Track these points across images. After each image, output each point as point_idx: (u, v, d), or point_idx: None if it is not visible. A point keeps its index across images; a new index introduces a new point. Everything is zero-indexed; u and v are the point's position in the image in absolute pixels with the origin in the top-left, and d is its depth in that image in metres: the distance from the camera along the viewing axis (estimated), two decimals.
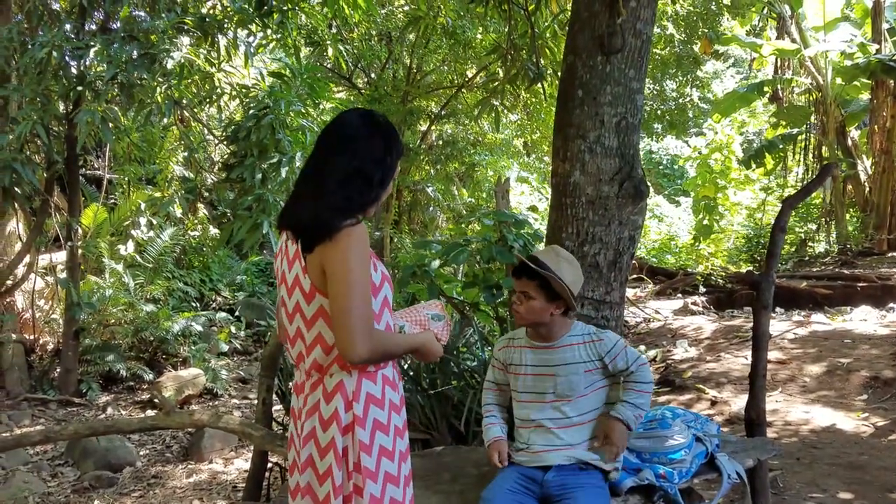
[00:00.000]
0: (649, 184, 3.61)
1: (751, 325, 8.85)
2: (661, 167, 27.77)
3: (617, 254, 3.52)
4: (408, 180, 15.74)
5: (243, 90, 8.02)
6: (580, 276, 2.96)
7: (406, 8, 12.95)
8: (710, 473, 3.03)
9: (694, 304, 11.44)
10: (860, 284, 10.88)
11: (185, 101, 8.19)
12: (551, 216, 3.70)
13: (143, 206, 11.00)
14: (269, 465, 4.74)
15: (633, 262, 3.86)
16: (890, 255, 13.63)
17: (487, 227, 5.07)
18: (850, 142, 15.55)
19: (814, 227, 16.38)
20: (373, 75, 14.64)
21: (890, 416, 5.61)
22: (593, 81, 3.49)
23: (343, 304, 1.94)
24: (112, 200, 11.85)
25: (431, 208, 17.89)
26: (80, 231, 8.76)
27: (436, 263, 4.94)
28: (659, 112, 15.55)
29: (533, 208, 11.98)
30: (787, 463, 4.85)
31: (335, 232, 1.97)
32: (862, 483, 4.44)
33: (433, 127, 15.92)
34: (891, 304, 9.92)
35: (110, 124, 7.05)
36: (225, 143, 8.32)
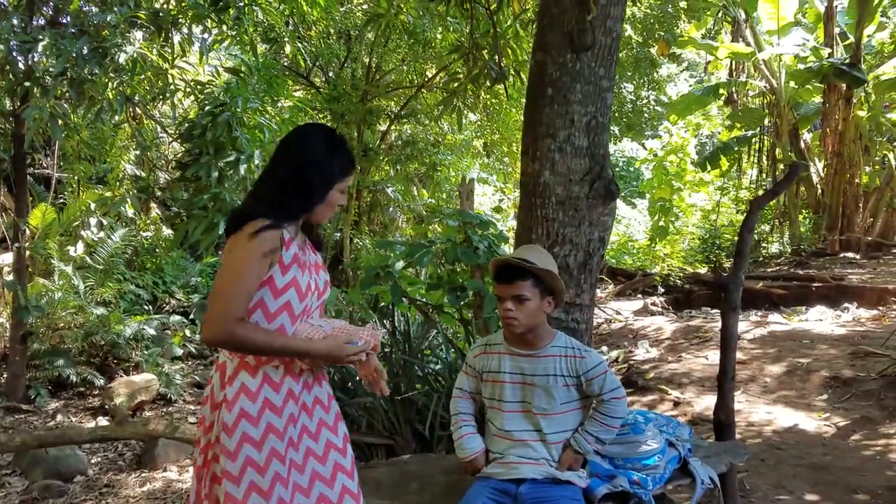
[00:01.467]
0: (618, 184, 3.56)
1: (710, 325, 9.03)
2: (617, 169, 28.08)
3: (587, 255, 3.46)
4: (367, 181, 15.58)
5: (198, 87, 7.80)
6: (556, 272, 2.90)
7: (365, 6, 12.80)
8: (684, 479, 2.99)
9: (653, 304, 11.53)
10: (815, 285, 11.10)
11: (137, 98, 7.93)
12: (520, 216, 3.61)
13: (93, 206, 10.64)
14: None
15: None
16: (842, 255, 13.95)
17: (451, 228, 4.98)
18: (802, 144, 15.89)
19: (767, 228, 16.68)
20: (331, 74, 14.46)
21: (850, 416, 5.67)
22: (563, 79, 3.42)
23: (215, 288, 2.14)
24: (61, 200, 11.45)
25: (391, 209, 17.75)
26: (27, 232, 8.43)
27: (399, 265, 4.84)
28: (616, 114, 15.67)
29: (497, 209, 11.94)
30: (753, 465, 4.86)
31: (243, 224, 2.14)
32: (827, 484, 4.46)
33: (393, 127, 15.81)
34: (845, 304, 10.13)
35: (59, 121, 6.78)
36: (179, 140, 8.08)
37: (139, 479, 6.32)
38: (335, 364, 2.33)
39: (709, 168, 16.49)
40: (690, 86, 22.97)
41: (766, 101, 16.26)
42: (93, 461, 6.78)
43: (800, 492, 4.36)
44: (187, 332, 10.71)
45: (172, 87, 7.70)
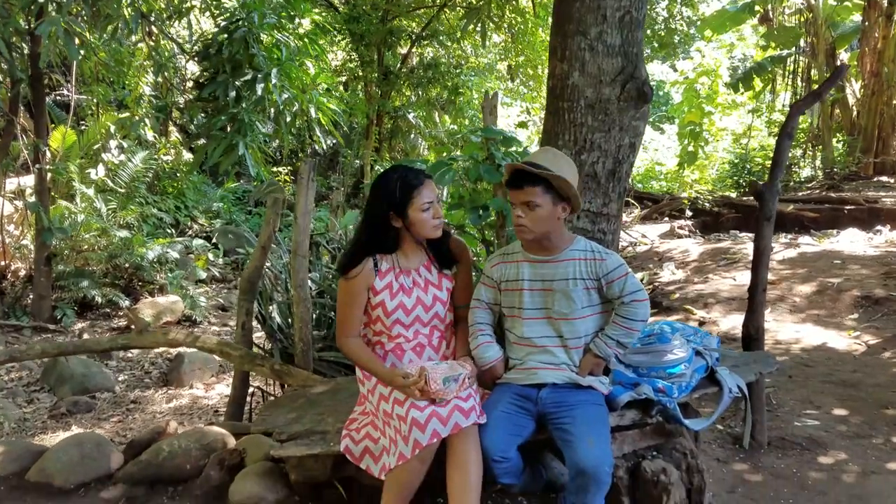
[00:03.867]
0: (652, 86, 3.35)
1: (738, 247, 8.86)
2: None
3: (616, 163, 3.28)
4: (388, 106, 15.30)
5: (214, 3, 7.56)
6: (577, 175, 2.75)
7: None
8: (710, 388, 2.90)
9: (680, 227, 11.35)
10: (847, 207, 10.83)
11: (153, 16, 7.71)
12: (547, 122, 3.43)
13: (112, 128, 10.55)
14: (251, 389, 4.60)
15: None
16: (876, 178, 13.57)
17: (474, 145, 4.81)
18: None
19: (799, 152, 16.23)
20: None
21: (882, 334, 5.55)
22: None
23: None
24: (83, 126, 11.38)
25: (413, 135, 17.49)
26: (48, 154, 8.38)
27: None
28: (648, 33, 15.12)
29: (522, 125, 11.59)
30: (780, 381, 4.78)
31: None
32: (856, 400, 4.38)
33: (414, 49, 15.39)
34: (878, 227, 9.87)
35: (75, 39, 6.61)
36: (196, 59, 7.90)
37: (165, 396, 6.42)
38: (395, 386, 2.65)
39: (741, 90, 15.96)
40: (724, 5, 22.07)
41: (802, 20, 15.59)
42: (120, 378, 6.89)
43: (827, 407, 4.28)
44: (210, 256, 10.74)
45: (188, 3, 7.46)
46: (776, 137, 3.86)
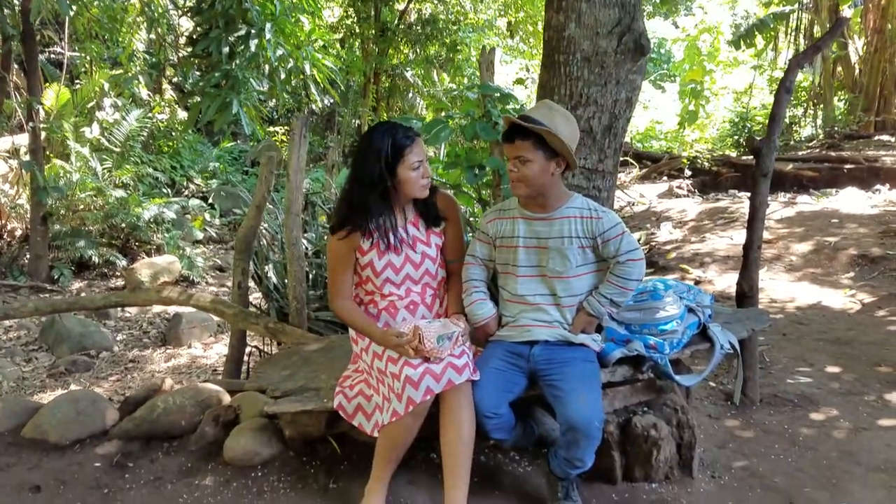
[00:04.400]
0: (651, 41, 3.28)
1: (736, 206, 8.83)
2: None
3: (613, 118, 3.23)
4: (385, 64, 15.11)
5: None
6: (577, 130, 2.68)
7: None
8: (703, 344, 2.90)
9: (679, 187, 11.30)
10: (847, 166, 10.77)
11: None
12: (542, 76, 3.37)
13: (106, 86, 10.43)
14: (249, 348, 4.62)
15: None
16: (876, 137, 13.47)
17: (470, 102, 4.74)
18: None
19: (800, 111, 16.08)
20: None
21: (877, 292, 5.55)
22: None
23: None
24: (76, 84, 11.25)
25: (411, 94, 17.30)
26: (42, 112, 8.29)
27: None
28: None
29: (519, 81, 11.42)
30: (774, 339, 4.80)
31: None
32: (849, 357, 4.40)
33: (412, 5, 15.15)
34: (877, 186, 9.83)
35: None
36: (189, 14, 7.76)
37: (164, 355, 6.45)
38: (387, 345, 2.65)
39: (743, 47, 15.72)
40: None
41: None
42: (118, 338, 6.92)
43: (821, 364, 4.30)
44: (207, 217, 10.70)
45: None
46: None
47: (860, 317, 5.16)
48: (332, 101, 14.91)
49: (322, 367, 3.12)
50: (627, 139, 15.95)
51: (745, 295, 3.70)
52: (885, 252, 6.22)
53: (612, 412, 2.89)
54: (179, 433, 3.27)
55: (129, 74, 9.17)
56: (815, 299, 5.59)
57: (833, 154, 12.01)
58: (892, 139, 13.28)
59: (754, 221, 3.68)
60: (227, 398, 3.41)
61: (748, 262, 3.71)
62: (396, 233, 2.73)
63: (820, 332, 4.88)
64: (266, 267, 5.10)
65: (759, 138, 3.62)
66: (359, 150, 2.71)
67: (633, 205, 10.32)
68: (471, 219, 5.58)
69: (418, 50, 15.40)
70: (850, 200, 8.86)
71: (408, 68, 16.02)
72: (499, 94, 4.49)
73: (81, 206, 8.98)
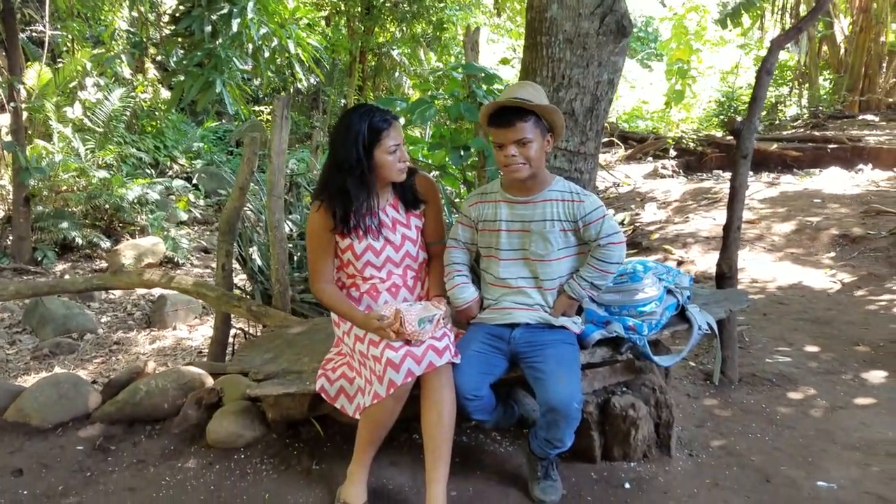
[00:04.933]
0: (632, 21, 3.28)
1: (720, 186, 8.87)
2: (634, 30, 26.83)
3: (594, 99, 3.24)
4: (371, 42, 14.98)
5: None
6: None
7: None
8: (681, 325, 2.93)
9: (664, 168, 11.32)
10: (830, 146, 10.81)
11: None
12: (525, 58, 3.36)
13: (89, 65, 10.29)
14: (234, 331, 4.62)
15: (605, 125, 3.57)
16: (861, 117, 13.53)
17: (455, 82, 4.72)
18: None
19: (786, 90, 16.10)
20: None
21: (857, 272, 5.61)
22: None
23: None
24: (58, 63, 11.09)
25: (397, 73, 17.18)
26: (23, 92, 8.19)
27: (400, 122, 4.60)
28: None
29: (504, 61, 11.35)
30: (754, 318, 4.85)
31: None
32: (828, 337, 4.45)
33: None
34: (860, 166, 9.89)
35: None
36: None
37: (149, 338, 6.44)
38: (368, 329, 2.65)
39: (730, 26, 15.69)
40: None
41: None
42: (102, 320, 6.89)
43: (800, 344, 4.35)
44: (191, 198, 10.63)
45: None
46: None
47: (840, 296, 5.22)
48: (317, 80, 14.78)
49: (305, 349, 3.13)
50: (613, 119, 15.95)
51: (725, 275, 3.74)
52: (865, 232, 6.28)
53: (592, 393, 2.92)
54: (162, 416, 3.28)
55: (112, 53, 9.06)
56: (796, 279, 5.65)
57: (817, 134, 12.05)
58: (877, 119, 13.35)
59: (734, 203, 3.71)
60: (209, 381, 3.41)
61: (728, 242, 3.74)
62: (376, 216, 2.72)
63: (800, 311, 4.93)
64: (250, 249, 5.09)
65: (739, 120, 3.64)
66: (336, 133, 2.68)
67: (619, 185, 10.34)
68: (456, 199, 5.58)
69: (405, 28, 15.27)
70: (833, 180, 8.92)
71: (394, 47, 15.90)
72: (483, 75, 4.49)
73: (64, 187, 8.92)
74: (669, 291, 2.96)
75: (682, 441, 3.10)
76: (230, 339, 4.49)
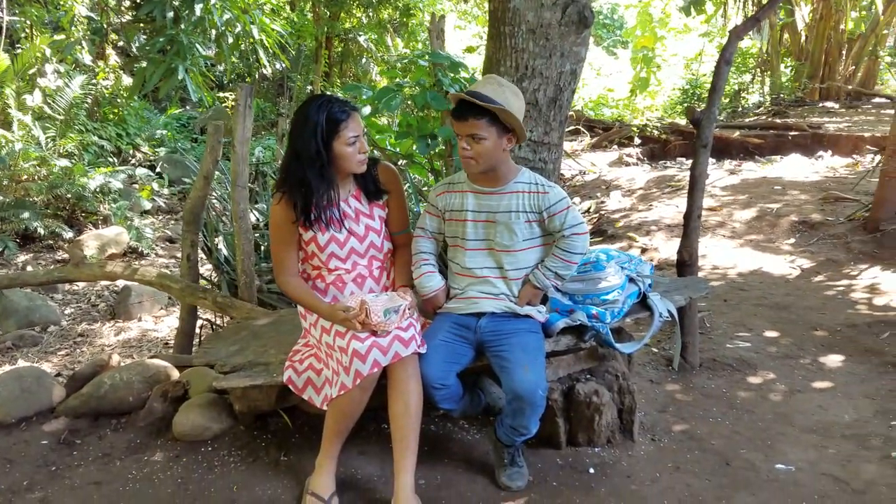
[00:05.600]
0: (593, 11, 3.31)
1: (683, 174, 8.99)
2: (601, 17, 26.98)
3: (558, 90, 3.27)
4: (338, 28, 14.84)
5: None
6: (524, 104, 2.72)
7: None
8: (643, 313, 2.99)
9: (628, 156, 11.43)
10: (791, 133, 11.01)
11: None
12: (488, 48, 3.38)
13: (48, 52, 10.05)
14: (200, 321, 4.59)
15: (571, 114, 3.61)
16: (821, 104, 13.78)
17: (421, 70, 4.71)
18: None
19: (748, 77, 16.32)
20: None
21: (816, 258, 5.75)
22: None
23: None
24: (16, 49, 10.82)
25: (364, 60, 17.05)
26: None
27: (366, 110, 4.59)
28: None
29: (470, 49, 11.33)
30: (715, 304, 4.94)
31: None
32: (787, 322, 4.57)
33: None
34: (820, 153, 10.09)
35: None
36: None
37: (114, 329, 6.35)
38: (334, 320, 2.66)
39: (693, 14, 15.84)
40: None
41: None
42: (66, 312, 6.78)
43: (759, 329, 4.46)
44: (155, 186, 10.48)
45: None
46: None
47: (799, 282, 5.35)
48: (283, 66, 14.60)
49: (271, 341, 3.13)
50: (579, 107, 16.03)
51: (685, 263, 3.82)
52: (824, 218, 6.43)
53: (556, 380, 2.98)
54: (128, 409, 3.26)
55: (71, 40, 8.84)
56: (756, 265, 5.77)
57: (778, 121, 12.26)
58: (836, 106, 13.61)
59: (694, 191, 3.78)
60: (175, 373, 3.40)
61: (688, 230, 3.82)
62: (337, 207, 2.71)
63: (760, 297, 5.05)
64: (216, 239, 5.04)
65: (699, 109, 3.70)
66: (294, 125, 2.65)
67: (584, 173, 10.42)
68: (423, 188, 5.59)
69: (371, 14, 15.15)
70: (793, 167, 9.10)
71: (361, 33, 15.76)
72: (449, 63, 4.49)
73: (25, 177, 8.72)
74: (631, 280, 3.03)
75: (644, 426, 3.17)
76: (197, 331, 4.46)
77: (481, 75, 3.39)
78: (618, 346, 2.87)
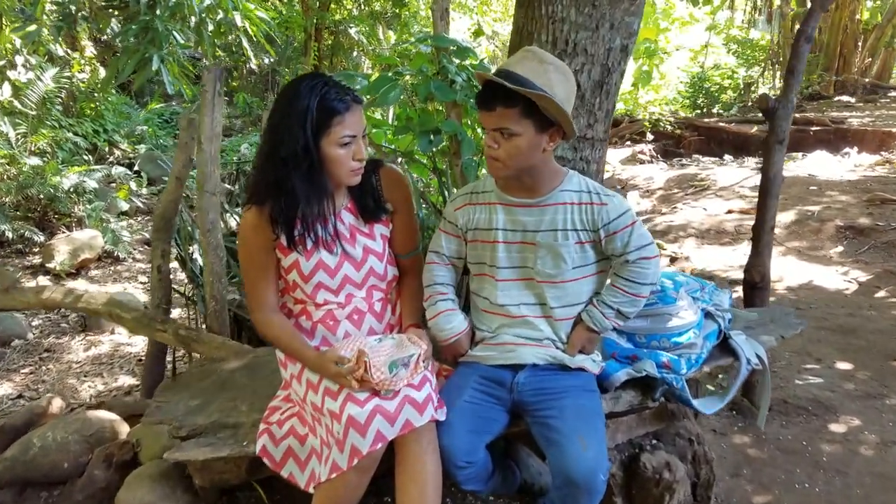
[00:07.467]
0: None
1: (705, 173, 8.34)
2: None
3: (605, 71, 2.60)
4: (327, 19, 14.20)
5: None
6: (573, 87, 1.97)
7: None
8: (724, 359, 2.31)
9: (642, 153, 10.80)
10: (813, 129, 10.43)
11: None
12: (517, 17, 2.69)
13: (18, 43, 9.43)
14: None
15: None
16: (837, 98, 13.20)
17: (423, 57, 4.08)
18: None
19: (758, 69, 15.76)
20: None
21: (871, 269, 5.09)
22: None
23: None
24: None
25: (355, 53, 16.46)
26: None
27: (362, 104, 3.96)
28: None
29: (478, 32, 10.55)
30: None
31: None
32: (858, 350, 3.90)
33: None
34: (846, 149, 9.49)
35: None
36: None
37: (84, 343, 5.79)
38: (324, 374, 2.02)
39: (699, 4, 15.24)
40: None
41: None
42: (33, 324, 6.20)
43: (829, 360, 3.79)
44: (133, 186, 9.85)
45: None
46: (791, 42, 3.24)
47: (859, 298, 4.68)
48: (271, 59, 13.97)
49: (243, 393, 2.44)
50: None
51: (756, 286, 3.14)
52: (873, 223, 5.77)
53: (614, 447, 2.30)
54: (63, 478, 2.58)
55: (35, 27, 8.23)
56: (805, 278, 5.10)
57: (798, 116, 11.65)
58: (853, 100, 13.03)
59: (767, 198, 3.09)
60: (125, 429, 2.71)
61: (759, 246, 3.13)
62: (327, 223, 2.05)
63: (819, 318, 4.37)
64: (191, 248, 4.42)
65: (773, 97, 3.02)
66: (276, 110, 1.96)
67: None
68: (423, 189, 4.99)
69: (362, 5, 14.53)
70: (821, 165, 8.48)
71: (352, 25, 15.14)
72: (455, 48, 3.88)
73: None
74: (708, 314, 2.35)
75: (718, 499, 2.50)
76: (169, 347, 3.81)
77: (508, 52, 2.70)
78: (696, 403, 2.19)
